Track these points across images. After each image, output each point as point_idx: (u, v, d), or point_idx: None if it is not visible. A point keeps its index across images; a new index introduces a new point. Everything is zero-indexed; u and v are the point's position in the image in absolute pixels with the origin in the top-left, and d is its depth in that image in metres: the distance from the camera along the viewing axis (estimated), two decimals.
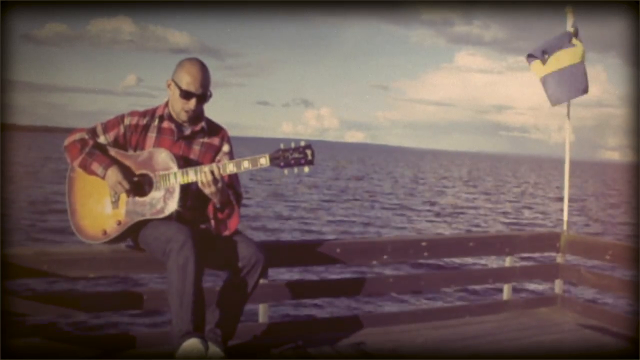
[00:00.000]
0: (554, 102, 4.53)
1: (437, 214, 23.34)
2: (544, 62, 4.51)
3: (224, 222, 3.13)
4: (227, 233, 3.14)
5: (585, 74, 4.51)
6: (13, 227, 14.38)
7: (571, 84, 4.50)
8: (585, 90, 4.52)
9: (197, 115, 3.22)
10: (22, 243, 12.17)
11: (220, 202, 3.07)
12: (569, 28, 4.58)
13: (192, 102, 3.13)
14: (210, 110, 3.30)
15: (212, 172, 2.99)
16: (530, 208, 28.38)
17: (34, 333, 3.24)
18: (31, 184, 26.02)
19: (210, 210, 3.12)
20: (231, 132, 3.39)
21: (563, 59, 4.50)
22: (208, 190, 3.00)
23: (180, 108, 3.15)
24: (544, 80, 4.53)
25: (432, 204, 27.40)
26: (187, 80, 3.11)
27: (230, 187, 3.17)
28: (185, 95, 3.12)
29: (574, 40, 4.54)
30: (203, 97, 3.15)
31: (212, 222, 3.12)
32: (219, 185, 3.00)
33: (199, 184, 3.01)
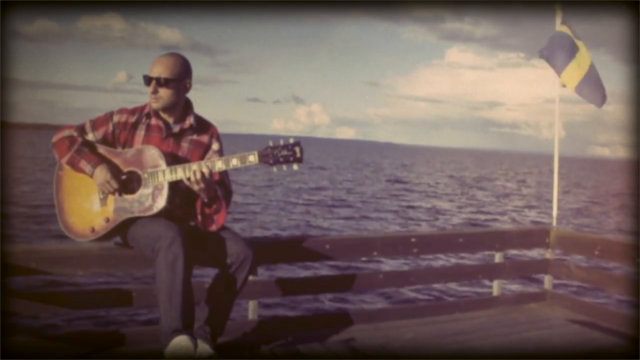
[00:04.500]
0: (600, 104, 4.57)
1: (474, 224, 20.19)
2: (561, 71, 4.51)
3: (211, 217, 3.12)
4: (214, 228, 3.13)
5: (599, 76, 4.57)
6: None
7: (597, 87, 4.55)
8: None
9: (172, 106, 3.18)
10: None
11: (208, 197, 3.06)
12: (558, 27, 4.58)
13: (151, 86, 3.10)
14: (201, 107, 3.27)
15: (202, 171, 2.97)
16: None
17: (22, 331, 3.22)
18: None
19: (198, 205, 3.11)
20: (222, 129, 3.36)
21: (582, 64, 4.53)
22: (197, 187, 2.99)
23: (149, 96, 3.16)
24: (580, 90, 4.54)
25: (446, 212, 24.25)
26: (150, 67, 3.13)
27: (221, 183, 3.16)
28: (144, 80, 3.13)
29: (577, 42, 4.56)
30: (162, 81, 3.09)
31: (199, 217, 3.11)
32: (207, 181, 2.98)
33: (185, 181, 3.00)
